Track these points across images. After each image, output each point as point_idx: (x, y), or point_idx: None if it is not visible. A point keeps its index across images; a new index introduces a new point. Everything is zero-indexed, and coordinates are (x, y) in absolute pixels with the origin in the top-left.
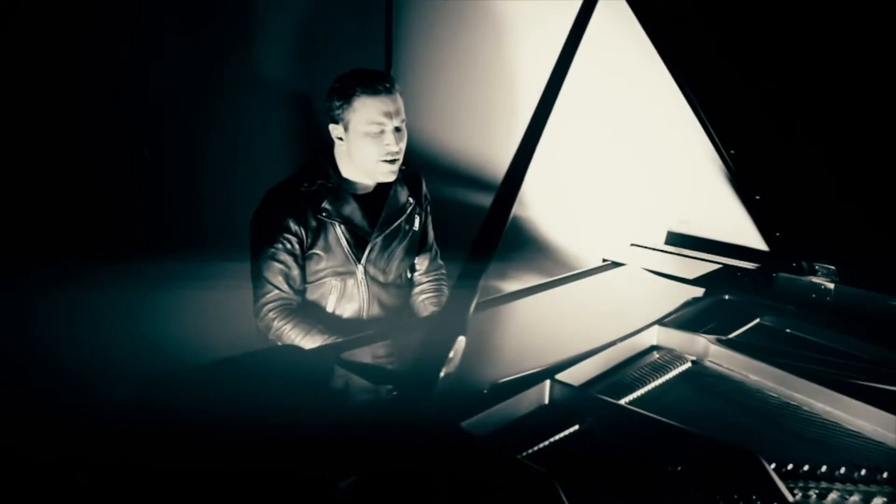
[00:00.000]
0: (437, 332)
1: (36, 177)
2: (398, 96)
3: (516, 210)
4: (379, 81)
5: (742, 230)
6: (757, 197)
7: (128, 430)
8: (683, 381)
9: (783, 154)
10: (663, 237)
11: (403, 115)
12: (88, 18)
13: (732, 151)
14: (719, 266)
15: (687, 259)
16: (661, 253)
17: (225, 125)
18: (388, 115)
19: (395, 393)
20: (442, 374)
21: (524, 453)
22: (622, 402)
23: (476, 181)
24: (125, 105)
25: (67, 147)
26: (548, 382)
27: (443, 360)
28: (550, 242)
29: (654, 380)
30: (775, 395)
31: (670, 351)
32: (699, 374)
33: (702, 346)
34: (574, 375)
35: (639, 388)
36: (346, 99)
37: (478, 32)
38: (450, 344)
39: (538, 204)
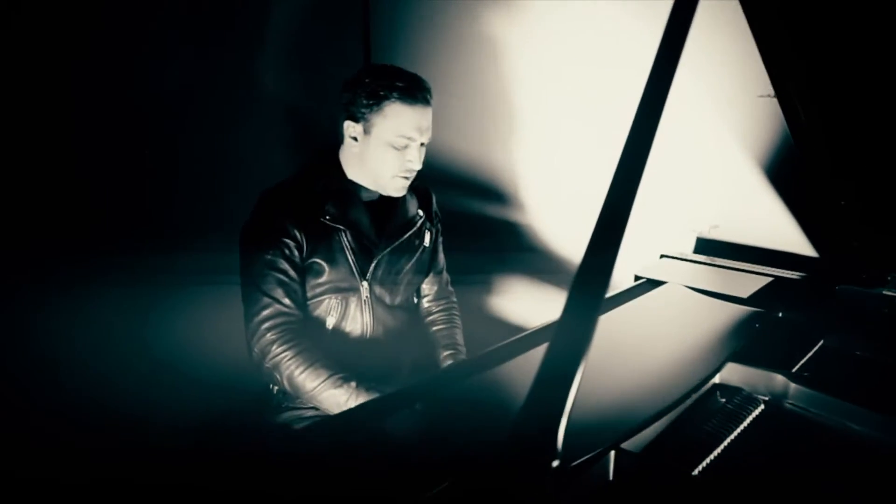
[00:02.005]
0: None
1: (34, 175)
2: (430, 110)
3: (527, 220)
4: (419, 90)
5: (784, 236)
6: (843, 202)
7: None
8: (763, 433)
9: (864, 156)
10: (692, 244)
11: (430, 132)
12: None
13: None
14: (770, 279)
15: (726, 271)
16: (697, 265)
17: (204, 126)
18: (420, 130)
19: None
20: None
21: None
22: (700, 468)
23: (473, 188)
24: (117, 105)
25: (66, 146)
26: (612, 454)
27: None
28: (571, 257)
29: (728, 432)
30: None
31: (737, 391)
32: (779, 420)
33: (779, 385)
34: (639, 439)
35: (714, 445)
36: (377, 100)
37: (462, 32)
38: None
39: (553, 212)
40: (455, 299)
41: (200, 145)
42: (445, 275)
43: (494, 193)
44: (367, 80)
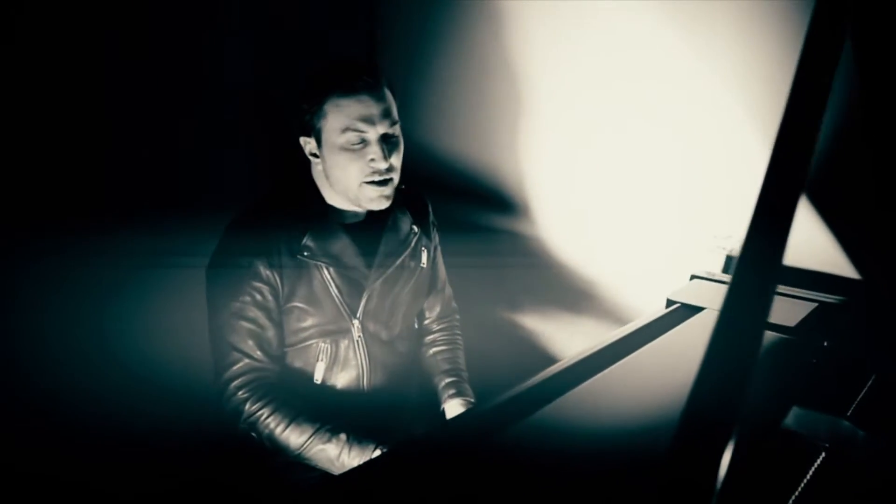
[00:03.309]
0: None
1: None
2: (387, 94)
3: (538, 234)
4: (357, 77)
5: (824, 255)
6: None
7: None
8: (827, 488)
9: None
10: (720, 263)
11: (395, 118)
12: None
13: None
14: (814, 304)
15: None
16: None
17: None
18: (370, 121)
19: None
20: None
21: None
22: None
23: (479, 196)
24: (115, 104)
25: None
26: None
27: None
28: (590, 276)
29: (791, 490)
30: None
31: (793, 435)
32: (843, 472)
33: (842, 430)
34: None
35: None
36: (316, 102)
37: (475, 24)
38: None
39: (565, 225)
40: (458, 316)
41: (196, 144)
42: (448, 290)
43: (512, 202)
44: (305, 86)
